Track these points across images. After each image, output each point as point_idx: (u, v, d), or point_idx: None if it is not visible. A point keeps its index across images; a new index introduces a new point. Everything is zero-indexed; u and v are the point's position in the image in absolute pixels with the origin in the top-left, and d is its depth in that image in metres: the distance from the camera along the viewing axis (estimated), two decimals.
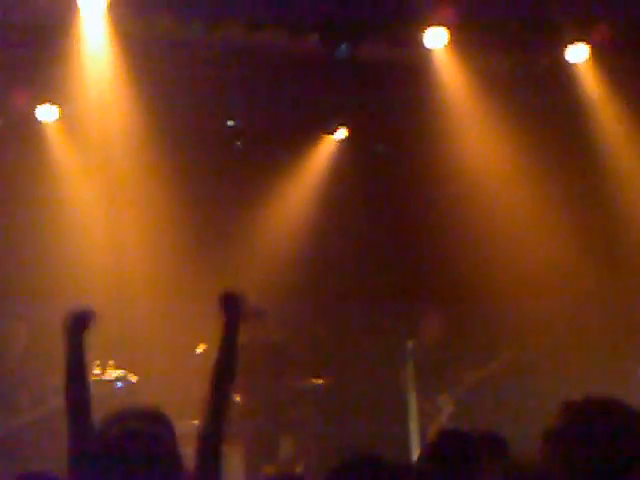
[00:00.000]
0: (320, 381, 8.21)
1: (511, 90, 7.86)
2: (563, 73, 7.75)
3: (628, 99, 7.65)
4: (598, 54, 7.50)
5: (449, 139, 8.12)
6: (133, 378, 7.24)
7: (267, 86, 7.91)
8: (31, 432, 6.58)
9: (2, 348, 7.10)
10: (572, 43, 7.46)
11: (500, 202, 8.30)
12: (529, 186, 8.23)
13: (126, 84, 7.37)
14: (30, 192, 8.05)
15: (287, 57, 7.60)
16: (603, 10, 7.21)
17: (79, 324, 3.24)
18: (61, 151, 8.18)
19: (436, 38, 7.22)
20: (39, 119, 7.94)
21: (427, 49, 7.37)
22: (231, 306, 3.33)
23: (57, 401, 6.45)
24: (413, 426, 7.37)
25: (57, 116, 7.91)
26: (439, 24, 7.11)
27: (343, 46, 7.06)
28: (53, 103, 7.81)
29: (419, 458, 2.98)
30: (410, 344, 7.70)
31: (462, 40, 7.29)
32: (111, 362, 7.28)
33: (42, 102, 7.80)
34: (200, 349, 7.77)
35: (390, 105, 8.17)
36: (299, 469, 7.51)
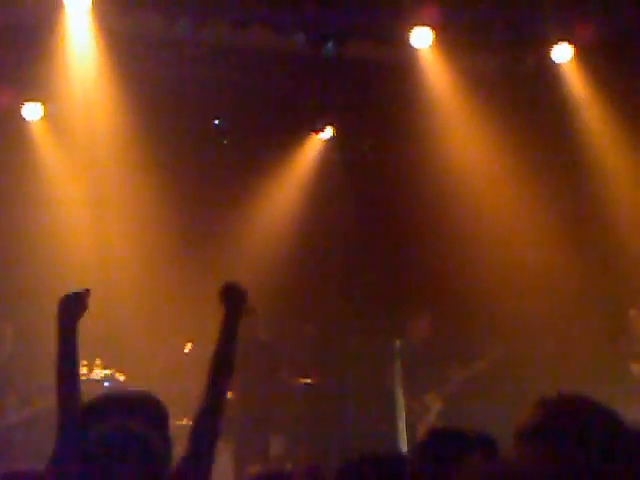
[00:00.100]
0: (309, 380, 8.21)
1: (496, 89, 7.90)
2: (548, 73, 7.79)
3: (612, 98, 7.70)
4: (582, 54, 7.55)
5: (435, 138, 8.14)
6: (120, 377, 7.22)
7: (253, 85, 7.91)
8: (18, 432, 6.55)
9: None
10: (557, 43, 7.50)
11: (486, 201, 8.33)
12: (515, 185, 8.26)
13: (111, 82, 7.34)
14: (15, 191, 8.00)
15: (274, 56, 7.60)
16: (587, 11, 7.26)
17: (73, 309, 3.08)
18: (46, 150, 8.13)
19: (422, 38, 7.23)
20: (24, 117, 7.89)
21: (413, 48, 7.39)
22: (232, 298, 3.25)
23: (44, 402, 6.42)
24: (401, 424, 7.39)
25: (42, 114, 7.87)
26: (425, 24, 7.13)
27: (329, 45, 7.06)
28: (38, 101, 7.76)
29: (410, 457, 2.97)
30: (397, 343, 7.72)
31: (448, 40, 7.31)
32: (98, 361, 7.25)
33: (27, 100, 7.76)
34: (187, 348, 7.77)
35: (376, 104, 8.18)
36: (288, 467, 7.51)
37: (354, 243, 9.10)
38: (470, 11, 7.17)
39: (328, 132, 8.88)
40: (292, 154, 8.99)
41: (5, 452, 6.35)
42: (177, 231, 8.35)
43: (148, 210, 8.29)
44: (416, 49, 7.41)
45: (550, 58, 7.62)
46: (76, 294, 3.13)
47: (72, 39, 7.02)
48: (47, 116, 7.89)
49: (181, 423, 7.25)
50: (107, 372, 7.11)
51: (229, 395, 7.27)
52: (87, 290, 3.14)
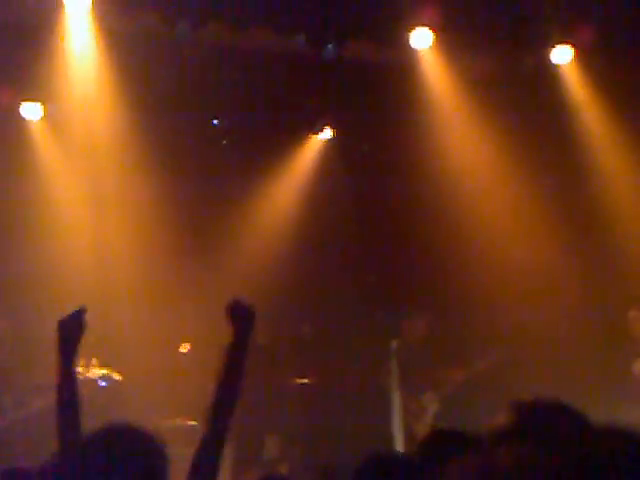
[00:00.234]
0: (305, 380, 8.21)
1: (496, 90, 7.90)
2: (547, 74, 7.79)
3: (611, 100, 7.70)
4: (582, 56, 7.55)
5: (435, 139, 8.15)
6: (117, 377, 7.21)
7: (253, 85, 7.91)
8: (14, 432, 6.54)
9: None
10: (557, 45, 7.51)
11: (486, 202, 8.33)
12: (514, 186, 8.27)
13: (111, 82, 7.34)
14: (14, 191, 8.00)
15: (273, 57, 7.60)
16: (587, 13, 7.26)
17: (73, 332, 3.00)
18: (45, 149, 8.13)
19: (422, 39, 7.24)
20: (23, 117, 7.89)
21: (413, 49, 7.39)
22: (241, 318, 2.99)
23: (40, 402, 6.42)
24: (398, 425, 7.38)
25: (42, 114, 7.87)
26: (424, 25, 7.14)
27: (329, 46, 7.07)
28: (37, 101, 7.77)
29: (412, 455, 2.94)
30: (394, 343, 7.72)
31: (447, 41, 7.32)
32: (95, 360, 7.25)
33: (26, 100, 7.76)
34: (184, 348, 7.76)
35: (376, 105, 8.18)
36: (284, 469, 7.51)
37: (352, 244, 9.10)
38: (470, 12, 7.17)
39: (327, 133, 8.89)
40: (291, 155, 8.99)
41: (2, 452, 6.35)
42: (175, 230, 8.36)
43: (147, 209, 8.29)
44: (416, 50, 7.42)
45: (550, 59, 7.63)
46: (73, 316, 3.05)
47: (72, 39, 7.02)
48: (46, 116, 7.89)
49: (177, 423, 7.25)
50: (104, 371, 7.10)
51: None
52: (83, 308, 3.06)
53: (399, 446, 7.26)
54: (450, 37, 7.27)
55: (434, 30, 7.14)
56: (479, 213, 8.31)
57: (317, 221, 8.88)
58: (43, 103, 7.80)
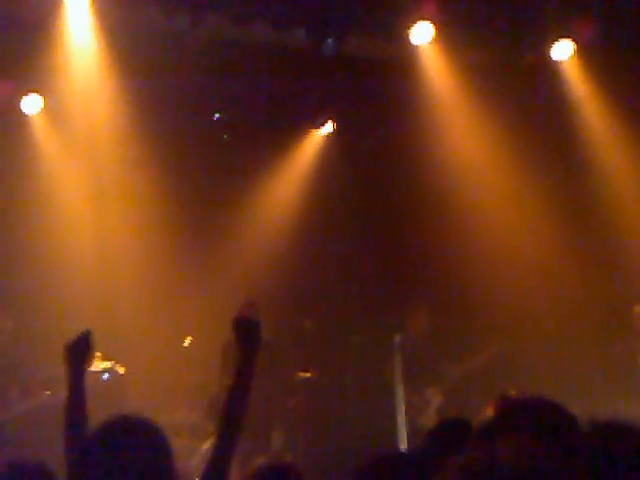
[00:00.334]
0: (309, 374, 8.21)
1: (497, 85, 7.90)
2: (548, 69, 7.80)
3: (611, 95, 7.71)
4: (583, 51, 7.55)
5: (435, 133, 8.15)
6: (120, 370, 7.20)
7: (253, 80, 7.90)
8: (21, 424, 6.55)
9: None
10: (557, 40, 7.51)
11: (486, 196, 8.34)
12: (515, 181, 8.27)
13: (111, 76, 7.34)
14: (14, 185, 7.99)
15: (274, 52, 7.59)
16: (588, 8, 7.26)
17: (81, 354, 3.09)
18: (46, 143, 8.12)
19: (422, 34, 7.23)
20: (24, 110, 7.87)
21: (413, 45, 7.39)
22: (247, 340, 2.91)
23: (45, 394, 6.45)
24: (401, 418, 7.38)
25: (42, 107, 7.85)
26: (425, 19, 7.13)
27: (329, 41, 7.06)
28: (38, 94, 7.75)
29: (420, 447, 2.94)
30: (398, 337, 7.72)
31: (448, 36, 7.31)
32: (98, 353, 7.24)
33: (27, 93, 7.74)
34: (187, 342, 7.76)
35: (376, 99, 8.18)
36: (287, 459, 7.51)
37: (354, 238, 9.10)
38: (471, 7, 7.18)
39: (328, 127, 8.89)
40: (292, 149, 8.98)
41: (8, 444, 6.36)
42: (177, 225, 8.35)
43: (148, 203, 8.28)
44: (416, 45, 7.41)
45: (549, 55, 7.63)
46: (80, 339, 3.13)
47: (72, 32, 7.01)
48: (47, 109, 7.87)
49: (179, 416, 7.26)
50: (107, 364, 7.08)
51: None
52: (88, 331, 3.15)
53: (402, 440, 7.27)
54: (450, 32, 7.27)
55: (435, 24, 7.14)
56: (480, 207, 8.32)
57: (318, 215, 8.88)
58: (43, 96, 7.78)
